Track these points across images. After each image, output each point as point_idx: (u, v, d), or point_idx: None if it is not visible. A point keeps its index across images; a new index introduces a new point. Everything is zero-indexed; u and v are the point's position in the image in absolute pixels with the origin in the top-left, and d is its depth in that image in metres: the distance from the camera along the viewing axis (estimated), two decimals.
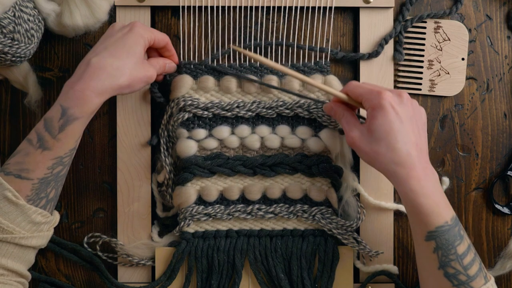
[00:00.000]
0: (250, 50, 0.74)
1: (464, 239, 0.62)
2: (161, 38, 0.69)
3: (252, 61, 0.74)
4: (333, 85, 0.73)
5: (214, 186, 0.74)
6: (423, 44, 0.76)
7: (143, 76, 0.66)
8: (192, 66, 0.73)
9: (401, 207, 0.75)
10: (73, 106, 0.62)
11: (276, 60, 0.74)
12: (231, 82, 0.73)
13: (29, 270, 0.75)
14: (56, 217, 0.67)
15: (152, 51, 0.72)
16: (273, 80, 0.73)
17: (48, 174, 0.63)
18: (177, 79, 0.73)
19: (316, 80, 0.73)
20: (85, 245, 0.75)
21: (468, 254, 0.62)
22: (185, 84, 0.73)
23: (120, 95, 0.69)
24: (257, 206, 0.74)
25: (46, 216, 0.64)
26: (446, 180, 0.76)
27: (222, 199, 0.75)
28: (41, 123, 0.63)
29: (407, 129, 0.63)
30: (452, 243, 0.61)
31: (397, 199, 0.76)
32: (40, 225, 0.63)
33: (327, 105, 0.70)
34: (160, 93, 0.74)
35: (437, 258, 0.62)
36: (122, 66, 0.64)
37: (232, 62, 0.74)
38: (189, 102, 0.72)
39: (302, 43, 0.75)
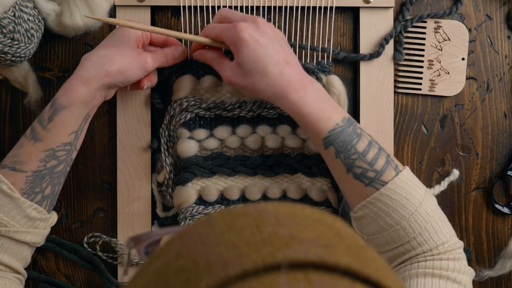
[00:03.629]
0: None
1: (362, 136, 0.63)
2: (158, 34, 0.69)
3: None
4: (335, 85, 0.73)
5: (214, 186, 0.74)
6: (423, 44, 0.76)
7: (136, 62, 0.65)
8: (194, 66, 0.73)
9: None
10: (60, 96, 0.64)
11: None
12: None
13: (29, 269, 0.75)
14: (53, 216, 0.67)
15: (156, 49, 0.71)
16: None
17: (42, 167, 0.63)
18: (180, 79, 0.73)
19: (318, 80, 0.73)
20: (85, 245, 0.75)
21: (371, 150, 0.63)
22: (188, 85, 0.73)
23: (119, 85, 0.67)
24: None
25: (42, 212, 0.64)
26: (456, 172, 0.76)
27: (223, 199, 0.74)
28: (37, 117, 0.65)
29: (272, 51, 0.63)
30: (350, 143, 0.62)
31: None
32: (35, 221, 0.63)
33: (196, 54, 0.70)
34: (160, 99, 0.74)
35: (342, 163, 0.63)
36: (108, 53, 0.64)
37: None
38: (192, 102, 0.72)
39: (303, 43, 0.75)
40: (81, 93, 0.63)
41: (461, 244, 0.64)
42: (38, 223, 0.64)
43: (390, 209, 0.62)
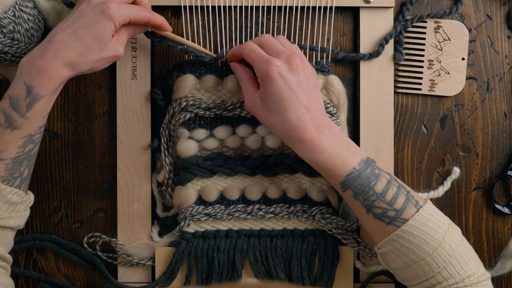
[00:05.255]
0: None
1: (380, 176, 0.63)
2: (141, 17, 0.66)
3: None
4: (335, 86, 0.73)
5: (214, 186, 0.74)
6: (423, 44, 0.76)
7: (107, 57, 0.64)
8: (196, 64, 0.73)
9: None
10: (38, 84, 0.62)
11: None
12: (235, 82, 0.73)
13: (29, 269, 0.76)
14: (30, 196, 0.67)
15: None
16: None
17: (20, 152, 0.63)
18: (181, 79, 0.73)
19: (318, 80, 0.73)
20: (85, 245, 0.75)
21: (390, 189, 0.63)
22: (188, 84, 0.73)
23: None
24: (257, 206, 0.74)
25: (22, 195, 0.64)
26: (457, 170, 0.76)
27: (222, 199, 0.74)
28: (6, 101, 0.62)
29: (297, 95, 0.63)
30: (368, 185, 0.62)
31: None
32: (17, 205, 0.63)
33: (232, 64, 0.70)
34: (162, 96, 0.74)
35: (361, 204, 0.63)
36: (86, 53, 0.62)
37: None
38: (191, 102, 0.72)
39: (302, 43, 0.75)
40: (58, 83, 0.62)
41: (488, 275, 0.64)
42: (19, 206, 0.64)
43: (412, 246, 0.62)
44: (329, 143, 0.63)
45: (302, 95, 0.64)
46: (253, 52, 0.66)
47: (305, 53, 0.74)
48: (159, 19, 0.68)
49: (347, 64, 0.76)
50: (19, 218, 0.64)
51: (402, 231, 0.62)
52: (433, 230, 0.62)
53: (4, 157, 0.62)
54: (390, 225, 0.63)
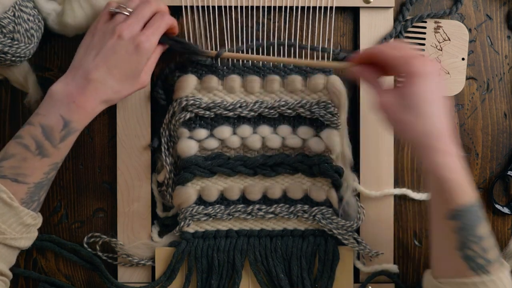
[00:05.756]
0: (251, 50, 0.74)
1: (485, 221, 0.60)
2: (164, 30, 0.68)
3: (255, 61, 0.74)
4: (336, 86, 0.73)
5: (214, 186, 0.74)
6: (423, 44, 0.76)
7: (136, 90, 0.68)
8: (210, 62, 0.73)
9: (404, 191, 0.75)
10: (75, 120, 0.63)
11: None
12: (235, 82, 0.73)
13: (28, 269, 0.76)
14: (40, 218, 0.67)
15: None
16: (276, 80, 0.73)
17: (44, 178, 0.64)
18: (182, 79, 0.73)
19: (318, 80, 0.73)
20: (85, 245, 0.75)
21: (489, 238, 0.60)
22: (190, 84, 0.72)
23: None
24: (257, 206, 0.74)
25: (35, 218, 0.65)
26: None
27: (223, 199, 0.74)
28: (38, 129, 0.62)
29: (441, 102, 0.60)
30: (475, 225, 0.59)
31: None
32: (30, 227, 0.64)
33: (357, 69, 0.67)
34: (164, 95, 0.74)
35: (457, 239, 0.60)
36: (121, 90, 0.65)
37: (235, 61, 0.74)
38: (192, 102, 0.72)
39: (303, 43, 0.75)
40: (93, 117, 0.65)
41: None
42: (31, 228, 0.64)
43: None
44: (459, 165, 0.60)
45: (444, 104, 0.61)
46: (396, 49, 0.63)
47: (306, 53, 0.74)
48: (175, 23, 0.70)
49: None
50: (29, 239, 0.65)
51: (481, 282, 0.59)
52: None
53: (28, 181, 0.62)
54: (471, 270, 0.60)
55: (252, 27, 0.75)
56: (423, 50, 0.76)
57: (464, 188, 0.59)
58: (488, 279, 0.59)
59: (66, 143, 0.64)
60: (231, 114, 0.73)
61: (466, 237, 0.59)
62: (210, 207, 0.74)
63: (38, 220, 0.66)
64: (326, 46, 0.74)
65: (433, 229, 0.63)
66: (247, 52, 0.74)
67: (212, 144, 0.73)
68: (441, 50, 0.76)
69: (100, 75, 0.64)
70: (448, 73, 0.76)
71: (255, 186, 0.74)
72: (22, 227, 0.63)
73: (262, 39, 0.75)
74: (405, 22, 0.75)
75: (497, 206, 0.77)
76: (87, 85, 0.63)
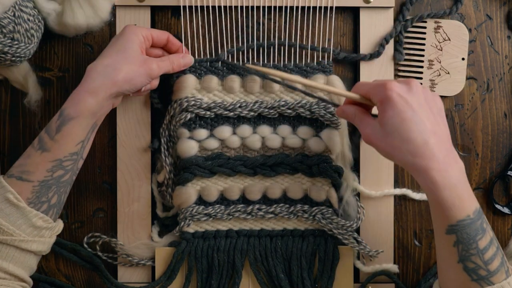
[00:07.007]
0: (251, 50, 0.74)
1: (486, 232, 0.60)
2: (159, 33, 0.70)
3: (256, 62, 0.74)
4: (336, 85, 0.73)
5: (214, 186, 0.74)
6: (423, 44, 0.76)
7: (142, 70, 0.65)
8: (209, 64, 0.73)
9: (404, 191, 0.75)
10: (68, 106, 0.63)
11: (277, 61, 0.74)
12: (235, 82, 0.73)
13: None
14: (60, 225, 0.67)
15: (158, 51, 0.72)
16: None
17: (49, 177, 0.63)
18: (181, 79, 0.73)
19: (319, 80, 0.73)
20: (85, 245, 0.75)
21: (490, 249, 0.60)
22: (189, 84, 0.72)
23: (125, 93, 0.67)
24: (257, 206, 0.74)
25: (48, 221, 0.64)
26: None
27: (223, 199, 0.74)
28: (45, 127, 0.64)
29: (420, 117, 0.59)
30: (474, 238, 0.59)
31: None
32: (41, 230, 0.63)
33: (338, 110, 0.68)
34: (158, 99, 0.74)
35: (457, 252, 0.60)
36: (113, 62, 0.64)
37: (235, 61, 0.74)
38: (192, 102, 0.72)
39: (303, 43, 0.75)
40: (89, 104, 0.63)
41: None
42: (44, 232, 0.64)
43: None
44: (455, 180, 0.59)
45: (425, 117, 0.59)
46: (366, 84, 0.64)
47: (306, 53, 0.74)
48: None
49: (347, 64, 0.76)
50: (43, 243, 0.64)
51: None
52: None
53: (33, 179, 0.62)
54: (474, 282, 0.60)
55: (251, 27, 0.75)
56: (423, 50, 0.76)
57: (459, 203, 0.59)
58: None
59: (63, 134, 0.63)
60: (231, 114, 0.73)
61: (465, 250, 0.59)
62: (210, 207, 0.74)
63: (53, 225, 0.65)
64: (326, 46, 0.74)
65: (436, 242, 0.63)
66: (247, 52, 0.74)
67: (212, 144, 0.73)
68: (441, 50, 0.76)
69: (92, 63, 0.65)
70: (448, 73, 0.76)
71: (255, 186, 0.74)
72: (33, 229, 0.62)
73: (262, 39, 0.75)
74: (405, 22, 0.75)
75: (497, 206, 0.77)
76: (83, 77, 0.64)
